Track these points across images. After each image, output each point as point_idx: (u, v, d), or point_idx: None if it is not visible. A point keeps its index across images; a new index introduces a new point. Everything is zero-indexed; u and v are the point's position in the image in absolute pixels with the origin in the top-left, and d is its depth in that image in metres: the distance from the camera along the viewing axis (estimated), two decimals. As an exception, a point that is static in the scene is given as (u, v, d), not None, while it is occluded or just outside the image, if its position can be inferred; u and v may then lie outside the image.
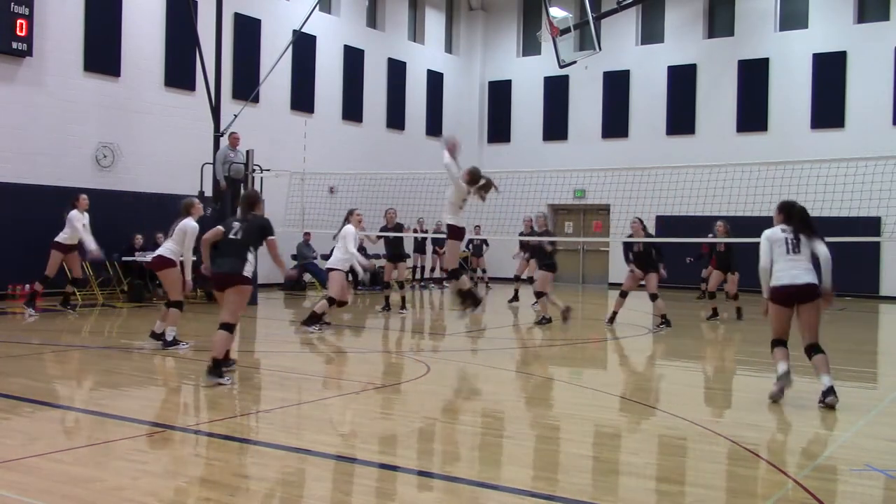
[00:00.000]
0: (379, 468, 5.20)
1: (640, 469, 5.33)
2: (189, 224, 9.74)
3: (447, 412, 7.10)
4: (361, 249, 18.65)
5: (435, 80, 25.80)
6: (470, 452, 5.73)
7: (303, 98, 21.45)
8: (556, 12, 18.99)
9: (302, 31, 18.50)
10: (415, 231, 19.47)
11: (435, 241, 20.41)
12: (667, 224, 20.43)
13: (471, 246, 22.83)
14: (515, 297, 17.74)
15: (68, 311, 13.41)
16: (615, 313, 13.64)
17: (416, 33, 25.65)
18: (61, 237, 12.94)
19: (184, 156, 17.86)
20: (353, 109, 22.98)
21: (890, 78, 21.38)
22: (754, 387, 8.33)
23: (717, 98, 23.53)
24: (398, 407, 7.26)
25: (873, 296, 20.86)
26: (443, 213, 10.65)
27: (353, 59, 23.00)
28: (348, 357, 10.52)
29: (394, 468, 5.19)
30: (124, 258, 15.91)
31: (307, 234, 19.34)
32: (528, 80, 26.31)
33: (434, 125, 25.17)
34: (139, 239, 16.26)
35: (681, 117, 23.91)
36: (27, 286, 14.17)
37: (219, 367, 7.73)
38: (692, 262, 18.93)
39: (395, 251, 15.85)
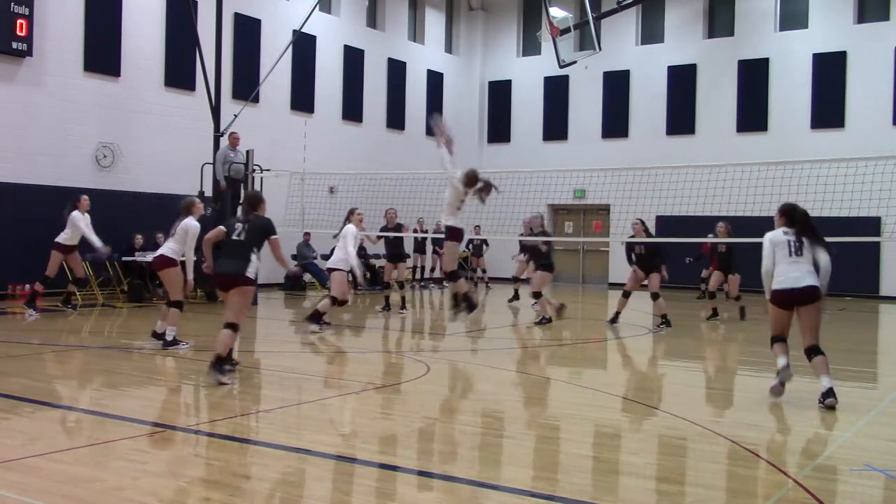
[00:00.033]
0: (379, 468, 5.20)
1: (640, 469, 5.34)
2: (190, 223, 9.75)
3: (447, 412, 7.10)
4: (361, 249, 18.71)
5: (435, 80, 25.80)
6: (470, 452, 5.73)
7: (303, 98, 21.45)
8: (556, 12, 19.01)
9: (302, 31, 18.49)
10: (415, 231, 19.49)
11: (435, 241, 20.40)
12: (667, 224, 20.44)
13: (471, 246, 22.84)
14: (516, 297, 17.75)
15: (68, 309, 13.44)
16: (618, 313, 13.64)
17: (416, 33, 25.64)
18: (62, 238, 12.95)
19: (184, 156, 17.86)
20: (353, 109, 22.98)
21: (890, 78, 21.38)
22: (754, 387, 8.34)
23: (717, 98, 23.53)
24: (398, 407, 7.26)
25: (873, 296, 20.86)
26: (441, 214, 10.66)
27: (353, 59, 22.99)
28: (348, 357, 10.53)
29: (394, 468, 5.19)
30: (124, 258, 15.90)
31: (307, 234, 19.35)
32: (528, 80, 26.30)
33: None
34: (139, 239, 16.26)
35: (681, 117, 23.91)
36: (27, 286, 14.17)
37: (221, 364, 7.74)
38: (692, 262, 18.93)
39: (395, 251, 15.85)
